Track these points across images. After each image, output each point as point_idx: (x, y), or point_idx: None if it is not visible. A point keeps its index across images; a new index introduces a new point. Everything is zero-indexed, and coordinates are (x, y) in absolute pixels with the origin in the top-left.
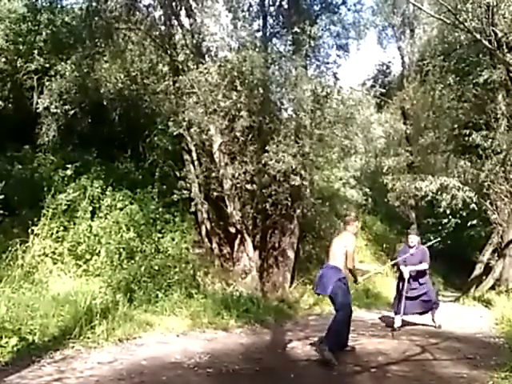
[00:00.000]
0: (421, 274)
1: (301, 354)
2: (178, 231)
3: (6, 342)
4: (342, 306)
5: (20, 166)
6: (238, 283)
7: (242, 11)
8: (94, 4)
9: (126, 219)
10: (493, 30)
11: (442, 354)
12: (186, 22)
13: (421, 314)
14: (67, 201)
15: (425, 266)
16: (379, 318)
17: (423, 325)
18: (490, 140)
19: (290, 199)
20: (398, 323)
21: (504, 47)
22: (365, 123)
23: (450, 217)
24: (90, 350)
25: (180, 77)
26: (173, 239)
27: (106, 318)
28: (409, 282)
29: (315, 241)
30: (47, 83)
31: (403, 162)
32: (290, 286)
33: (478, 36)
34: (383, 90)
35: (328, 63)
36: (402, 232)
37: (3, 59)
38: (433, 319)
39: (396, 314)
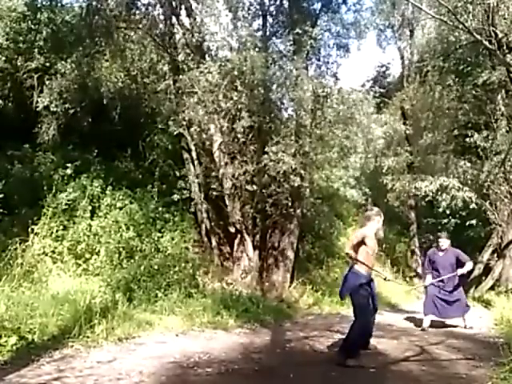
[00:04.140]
0: (454, 277)
1: (300, 353)
2: (177, 230)
3: (6, 341)
4: (359, 313)
5: (20, 165)
6: (238, 283)
7: (242, 10)
8: (94, 3)
9: (126, 218)
10: (493, 31)
11: (442, 353)
12: (186, 21)
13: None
14: (67, 200)
15: (470, 264)
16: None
17: (453, 326)
18: (490, 141)
19: (289, 199)
20: (426, 324)
21: (504, 48)
22: (365, 123)
23: (450, 217)
24: (90, 349)
25: (180, 76)
26: (172, 238)
27: (105, 317)
28: (443, 285)
29: (315, 241)
30: (47, 82)
31: (403, 162)
32: (290, 286)
33: (478, 36)
34: (383, 90)
35: (328, 63)
36: (401, 232)
37: (3, 58)
38: (464, 321)
39: (426, 315)
